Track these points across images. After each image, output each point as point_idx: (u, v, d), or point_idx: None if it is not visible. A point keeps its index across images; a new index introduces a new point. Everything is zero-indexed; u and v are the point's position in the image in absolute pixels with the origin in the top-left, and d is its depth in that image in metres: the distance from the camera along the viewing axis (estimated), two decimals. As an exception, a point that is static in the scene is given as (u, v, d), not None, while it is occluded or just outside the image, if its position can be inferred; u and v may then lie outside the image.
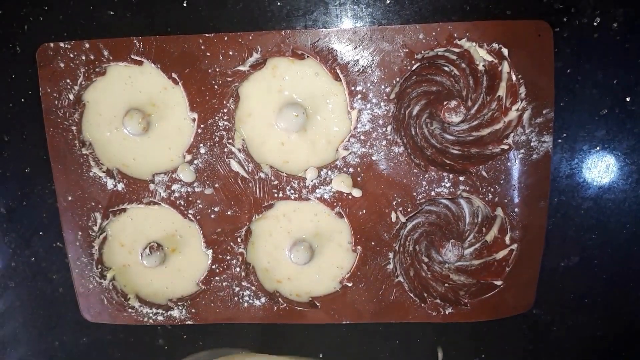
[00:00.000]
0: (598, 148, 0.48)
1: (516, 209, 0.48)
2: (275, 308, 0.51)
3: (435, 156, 0.48)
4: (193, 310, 0.51)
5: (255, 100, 0.47)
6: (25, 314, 0.55)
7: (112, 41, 0.46)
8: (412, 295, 0.50)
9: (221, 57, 0.45)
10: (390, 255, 0.49)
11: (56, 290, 0.54)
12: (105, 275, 0.51)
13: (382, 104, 0.46)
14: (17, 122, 0.49)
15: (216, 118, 0.47)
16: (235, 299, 0.51)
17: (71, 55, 0.46)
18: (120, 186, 0.49)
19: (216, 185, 0.48)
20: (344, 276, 0.50)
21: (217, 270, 0.50)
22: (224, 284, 0.51)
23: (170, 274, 0.51)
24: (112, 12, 0.47)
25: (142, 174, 0.49)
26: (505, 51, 0.44)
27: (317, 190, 0.48)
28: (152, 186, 0.48)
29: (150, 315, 0.52)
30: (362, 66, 0.45)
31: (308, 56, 0.45)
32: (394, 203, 0.48)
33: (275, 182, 0.48)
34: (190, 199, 0.49)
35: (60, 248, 0.52)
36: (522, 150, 0.46)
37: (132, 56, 0.46)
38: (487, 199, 0.48)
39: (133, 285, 0.52)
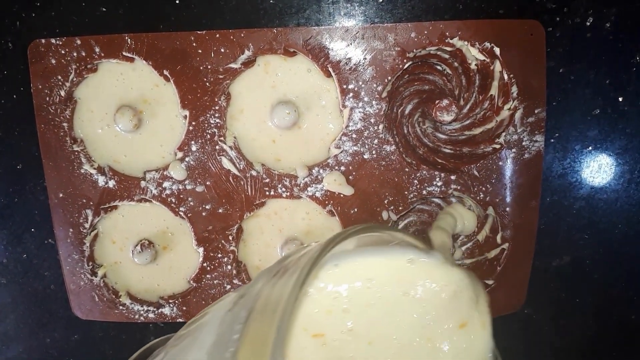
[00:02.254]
0: (590, 148, 0.48)
1: (508, 209, 0.48)
2: (267, 306, 0.51)
3: (427, 155, 0.48)
4: (184, 308, 0.51)
5: (247, 97, 0.47)
6: (17, 311, 0.55)
7: (104, 38, 0.46)
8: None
9: (213, 55, 0.45)
10: (382, 253, 0.49)
11: (48, 287, 0.53)
12: (97, 272, 0.51)
13: (374, 102, 0.46)
14: (8, 119, 0.49)
15: (208, 115, 0.47)
16: (227, 296, 0.51)
17: (62, 52, 0.46)
18: (111, 183, 0.49)
19: (207, 183, 0.48)
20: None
21: (209, 268, 0.50)
22: (215, 281, 0.50)
23: (161, 271, 0.51)
24: (104, 9, 0.46)
25: (134, 171, 0.49)
26: (497, 50, 0.44)
27: (309, 189, 0.48)
28: (143, 183, 0.48)
29: (142, 312, 0.51)
30: (354, 64, 0.45)
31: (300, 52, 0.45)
32: (386, 202, 0.48)
33: (267, 180, 0.48)
34: (181, 196, 0.49)
35: (51, 245, 0.52)
36: (513, 150, 0.46)
37: (124, 53, 0.46)
38: (478, 198, 0.48)
39: (124, 283, 0.52)
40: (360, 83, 0.45)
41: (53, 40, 0.46)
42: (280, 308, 0.21)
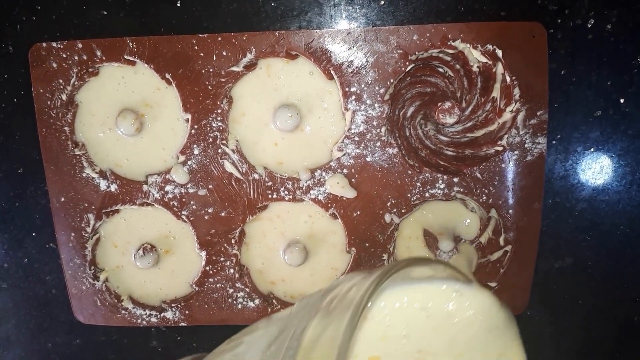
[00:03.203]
0: (592, 149, 0.48)
1: (510, 211, 0.48)
2: (270, 310, 0.51)
3: (430, 157, 0.48)
4: (187, 312, 0.51)
5: (249, 100, 0.47)
6: (18, 315, 0.54)
7: (105, 41, 0.46)
8: (406, 296, 0.50)
9: (215, 58, 0.45)
10: (385, 256, 0.49)
11: (49, 292, 0.53)
12: (99, 276, 0.51)
13: (376, 105, 0.46)
14: (9, 123, 0.49)
15: (210, 119, 0.47)
16: (229, 300, 0.51)
17: (64, 56, 0.46)
18: (113, 187, 0.48)
19: (210, 187, 0.48)
20: (338, 277, 0.50)
21: (211, 272, 0.50)
22: (217, 285, 0.50)
23: (163, 275, 0.51)
24: (105, 12, 0.46)
25: (136, 174, 0.49)
26: (499, 52, 0.44)
27: (312, 192, 0.48)
28: (145, 187, 0.48)
29: (144, 316, 0.51)
30: (357, 67, 0.45)
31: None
32: (388, 204, 0.48)
33: (270, 183, 0.48)
34: (183, 200, 0.48)
35: (53, 249, 0.52)
36: (516, 152, 0.46)
37: (125, 56, 0.46)
38: (481, 200, 0.47)
39: (126, 287, 0.52)
40: (363, 86, 0.45)
41: (54, 44, 0.46)
42: (338, 343, 0.22)
